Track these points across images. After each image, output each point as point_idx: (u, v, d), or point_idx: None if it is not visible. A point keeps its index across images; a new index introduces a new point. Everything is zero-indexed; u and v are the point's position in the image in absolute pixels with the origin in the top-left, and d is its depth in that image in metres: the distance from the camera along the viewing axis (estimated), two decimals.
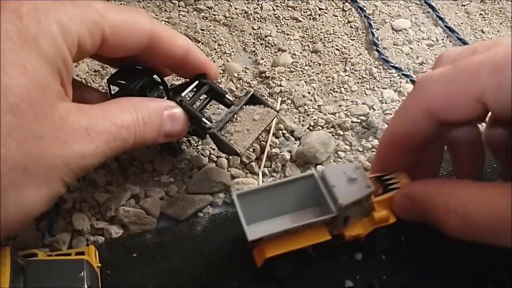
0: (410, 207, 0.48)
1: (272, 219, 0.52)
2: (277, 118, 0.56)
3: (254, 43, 0.75)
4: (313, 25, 0.77)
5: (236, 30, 0.77)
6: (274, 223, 0.51)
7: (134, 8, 0.55)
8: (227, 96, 0.57)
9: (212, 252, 0.54)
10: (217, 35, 0.76)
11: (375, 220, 0.51)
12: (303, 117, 0.65)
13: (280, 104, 0.67)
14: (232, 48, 0.75)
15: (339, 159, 0.61)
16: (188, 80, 0.58)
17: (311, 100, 0.67)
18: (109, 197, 0.58)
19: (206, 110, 0.62)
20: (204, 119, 0.54)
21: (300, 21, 0.78)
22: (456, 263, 0.52)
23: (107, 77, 0.58)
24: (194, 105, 0.55)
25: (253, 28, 0.77)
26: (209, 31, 0.77)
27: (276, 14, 0.78)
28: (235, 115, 0.54)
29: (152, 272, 0.53)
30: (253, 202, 0.50)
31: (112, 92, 0.58)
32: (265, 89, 0.68)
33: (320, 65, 0.72)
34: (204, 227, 0.57)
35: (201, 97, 0.57)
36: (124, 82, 0.55)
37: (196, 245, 0.55)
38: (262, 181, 0.59)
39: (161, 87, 0.57)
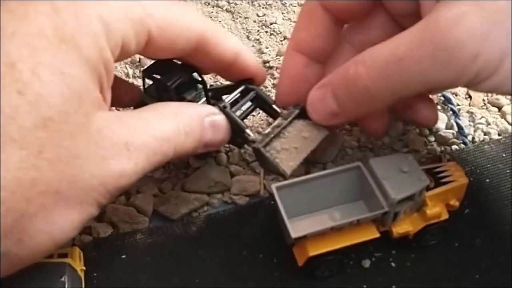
0: (323, 96, 0.44)
1: (313, 214, 0.48)
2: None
3: (258, 30, 0.71)
4: None
5: (240, 16, 0.73)
6: (316, 218, 0.48)
7: (183, 3, 0.50)
8: (274, 106, 0.50)
9: (207, 255, 0.50)
10: (220, 22, 0.72)
11: (427, 217, 0.47)
12: None
13: None
14: (235, 36, 0.70)
15: (347, 156, 0.57)
16: (229, 82, 0.53)
17: None
18: None
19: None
20: (247, 130, 0.48)
21: None
22: (470, 270, 0.48)
23: (143, 68, 0.52)
24: (238, 111, 0.50)
25: (257, 15, 0.72)
26: (211, 17, 0.72)
27: (282, 1, 0.74)
28: (283, 130, 0.46)
29: (143, 275, 0.49)
30: (293, 196, 0.47)
31: (147, 85, 0.52)
32: (269, 80, 0.64)
33: None
34: (199, 227, 0.53)
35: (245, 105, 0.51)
36: (160, 77, 0.49)
37: (191, 246, 0.51)
38: (264, 179, 0.55)
39: (200, 86, 0.51)
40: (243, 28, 0.71)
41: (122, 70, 0.66)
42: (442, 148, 0.57)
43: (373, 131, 0.52)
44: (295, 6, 0.73)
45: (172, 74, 0.49)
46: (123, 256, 0.50)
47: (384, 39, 0.40)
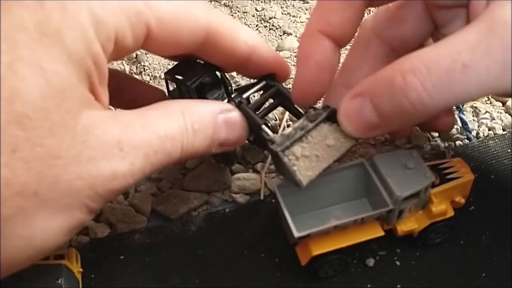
0: (361, 107, 0.39)
1: (316, 212, 0.47)
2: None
3: (257, 25, 0.70)
4: None
5: (238, 11, 0.71)
6: (320, 217, 0.46)
7: None
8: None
9: (208, 255, 0.49)
10: None
11: (433, 214, 0.46)
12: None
13: None
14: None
15: (349, 152, 0.55)
16: (256, 80, 0.49)
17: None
18: None
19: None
20: (265, 127, 0.43)
21: (308, 2, 0.72)
22: (477, 268, 0.47)
23: (166, 71, 0.50)
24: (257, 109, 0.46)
25: (256, 10, 0.71)
26: None
27: None
28: (307, 134, 0.42)
29: (142, 277, 0.48)
30: (295, 194, 0.45)
31: (171, 88, 0.50)
32: None
33: None
34: (199, 226, 0.51)
35: (267, 102, 0.48)
36: (181, 78, 0.47)
37: (191, 246, 0.50)
38: (265, 182, 0.54)
39: (227, 87, 0.49)
40: (241, 23, 0.70)
41: (119, 66, 0.65)
42: (446, 144, 0.56)
43: (398, 136, 0.51)
44: (294, 0, 0.72)
45: (193, 73, 0.47)
46: (121, 257, 0.49)
47: (419, 35, 0.39)
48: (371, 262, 0.48)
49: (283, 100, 0.47)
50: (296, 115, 0.46)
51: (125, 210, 0.51)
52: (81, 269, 0.45)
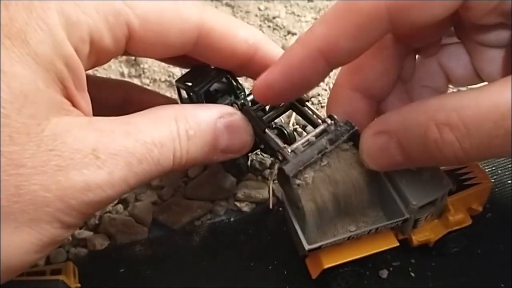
0: (386, 146, 0.36)
1: (327, 221, 0.43)
2: None
3: (260, 25, 0.68)
4: (327, 5, 0.69)
5: (241, 11, 0.69)
6: (331, 226, 0.43)
7: None
8: (308, 104, 0.43)
9: (212, 266, 0.47)
10: None
11: (450, 223, 0.43)
12: (317, 109, 0.57)
13: None
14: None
15: None
16: None
17: (325, 90, 0.59)
18: None
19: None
20: (269, 133, 0.40)
21: (312, 1, 0.69)
22: (494, 278, 0.45)
23: (176, 79, 0.48)
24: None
25: (259, 9, 0.69)
26: None
27: None
28: (323, 159, 0.39)
29: None
30: None
31: (184, 96, 0.48)
32: None
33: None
34: (203, 236, 0.49)
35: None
36: (190, 84, 0.45)
37: (194, 258, 0.48)
38: (273, 189, 0.51)
39: (239, 92, 0.45)
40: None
41: (117, 69, 0.63)
42: None
43: None
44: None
45: (203, 79, 0.44)
46: (122, 270, 0.47)
47: (438, 34, 0.36)
48: (384, 273, 0.45)
49: (293, 104, 0.43)
50: (310, 122, 0.42)
51: (124, 220, 0.49)
52: (79, 284, 0.43)
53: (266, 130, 0.40)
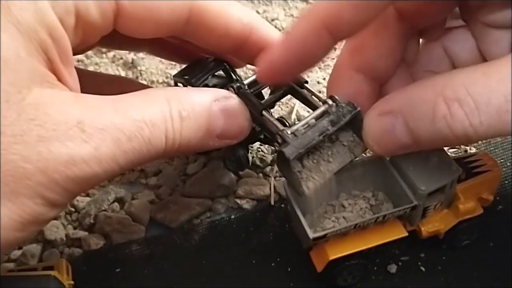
0: (392, 127, 0.34)
1: (332, 211, 0.42)
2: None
3: None
4: None
5: None
6: (336, 216, 0.41)
7: None
8: (307, 86, 0.41)
9: (213, 265, 0.45)
10: None
11: (460, 212, 0.41)
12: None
13: None
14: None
15: None
16: None
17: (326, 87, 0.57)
18: (88, 201, 0.49)
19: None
20: (267, 115, 0.38)
21: (311, 3, 0.69)
22: (508, 272, 0.43)
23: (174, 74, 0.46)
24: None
25: (258, 12, 0.68)
26: None
27: None
28: (324, 143, 0.38)
29: None
30: None
31: None
32: None
33: (335, 50, 0.62)
34: (202, 235, 0.47)
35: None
36: (187, 77, 0.43)
37: (194, 256, 0.46)
38: (274, 185, 0.49)
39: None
40: None
41: (114, 72, 0.62)
42: None
43: None
44: (297, 1, 0.69)
45: (200, 71, 0.43)
46: (117, 270, 0.45)
47: (444, 13, 0.35)
48: (393, 268, 0.43)
49: (292, 87, 0.41)
50: (310, 104, 0.41)
51: (121, 219, 0.47)
52: (72, 282, 0.40)
53: (264, 112, 0.38)
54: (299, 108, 0.55)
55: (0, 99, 0.29)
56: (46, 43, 0.32)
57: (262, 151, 0.51)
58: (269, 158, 0.51)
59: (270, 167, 0.51)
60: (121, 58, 0.63)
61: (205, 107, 0.36)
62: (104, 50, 0.64)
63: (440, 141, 0.34)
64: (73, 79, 0.35)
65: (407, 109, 0.34)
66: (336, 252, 0.39)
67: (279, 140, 0.37)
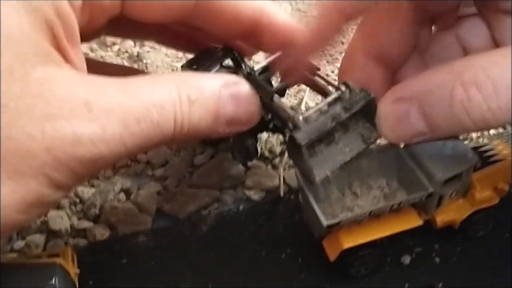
0: (407, 114, 0.34)
1: (344, 198, 0.41)
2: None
3: None
4: None
5: None
6: (349, 204, 0.40)
7: None
8: (319, 73, 0.40)
9: (221, 256, 0.44)
10: None
11: (476, 201, 0.41)
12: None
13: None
14: None
15: None
16: None
17: (335, 80, 0.57)
18: (94, 192, 0.48)
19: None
20: (278, 99, 0.37)
21: None
22: None
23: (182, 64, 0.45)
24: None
25: None
26: None
27: None
28: (336, 130, 0.37)
29: (147, 281, 0.42)
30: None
31: None
32: None
33: (343, 44, 0.62)
34: (210, 226, 0.46)
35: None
36: (195, 67, 0.42)
37: (201, 248, 0.44)
38: (283, 177, 0.48)
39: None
40: None
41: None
42: (479, 134, 0.51)
43: None
44: None
45: (209, 61, 0.42)
46: (123, 261, 0.43)
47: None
48: (407, 259, 0.42)
49: (305, 73, 0.40)
50: (322, 91, 0.40)
51: (127, 209, 0.46)
52: (77, 270, 0.39)
53: (274, 97, 0.37)
54: (308, 100, 0.54)
55: (3, 72, 0.28)
56: (52, 20, 0.31)
57: (271, 142, 0.50)
58: (278, 149, 0.50)
59: (279, 158, 0.50)
60: (126, 52, 0.63)
61: (214, 92, 0.35)
62: (109, 43, 0.63)
63: (457, 128, 0.33)
64: (80, 59, 0.34)
65: (422, 95, 0.33)
66: (350, 241, 0.38)
67: (290, 126, 0.36)
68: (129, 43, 0.64)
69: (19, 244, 0.44)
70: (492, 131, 0.51)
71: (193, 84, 0.35)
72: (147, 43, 0.63)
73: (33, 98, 0.28)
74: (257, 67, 0.40)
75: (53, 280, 0.35)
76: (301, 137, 0.34)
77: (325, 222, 0.37)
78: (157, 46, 0.62)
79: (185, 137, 0.35)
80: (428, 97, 0.33)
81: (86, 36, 0.37)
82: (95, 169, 0.31)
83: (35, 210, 0.30)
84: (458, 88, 0.31)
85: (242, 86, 0.37)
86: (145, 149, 0.35)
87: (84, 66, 0.34)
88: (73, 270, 0.39)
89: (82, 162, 0.29)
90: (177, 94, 0.33)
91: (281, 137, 0.51)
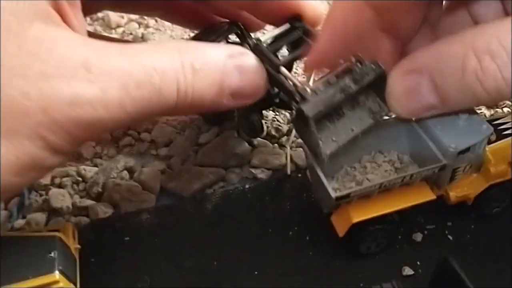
0: (418, 86, 0.32)
1: (353, 171, 0.40)
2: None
3: None
4: None
5: None
6: (359, 178, 0.39)
7: None
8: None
9: (226, 235, 0.42)
10: None
11: (491, 175, 0.39)
12: None
13: None
14: None
15: None
16: None
17: None
18: (96, 171, 0.47)
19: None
20: (285, 71, 0.36)
21: None
22: None
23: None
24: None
25: None
26: None
27: None
28: (345, 103, 0.36)
29: (150, 259, 0.41)
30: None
31: None
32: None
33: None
34: (215, 205, 0.45)
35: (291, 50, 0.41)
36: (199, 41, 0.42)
37: (206, 226, 0.43)
38: (291, 155, 0.47)
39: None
40: None
41: None
42: (492, 112, 0.49)
43: None
44: None
45: (213, 35, 0.41)
46: (126, 239, 0.42)
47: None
48: (418, 237, 0.41)
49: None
50: None
51: (130, 186, 0.45)
52: (78, 246, 0.38)
53: (281, 68, 0.36)
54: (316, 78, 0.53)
55: (3, 29, 0.27)
56: None
57: (277, 120, 0.49)
58: (285, 128, 0.49)
59: (286, 137, 0.49)
60: (131, 33, 0.61)
61: (219, 62, 0.34)
62: (113, 25, 0.62)
63: (469, 100, 0.32)
64: (80, 23, 0.33)
65: (434, 66, 0.32)
66: (360, 215, 0.37)
67: (298, 98, 0.34)
68: (134, 25, 0.63)
69: (19, 222, 0.43)
70: (506, 109, 0.49)
71: (197, 52, 0.33)
72: (151, 24, 0.62)
73: (30, 56, 0.27)
74: (264, 38, 0.39)
75: (53, 253, 0.34)
76: (309, 109, 0.33)
77: (334, 194, 0.35)
78: (161, 27, 0.61)
79: (188, 108, 0.33)
80: (439, 67, 0.32)
81: (91, 8, 0.36)
82: (93, 133, 0.30)
83: (31, 173, 0.29)
84: (470, 57, 0.30)
85: (248, 57, 0.36)
86: (146, 117, 0.34)
87: (84, 31, 0.33)
88: (74, 245, 0.38)
89: (80, 124, 0.29)
90: (180, 61, 0.32)
91: (288, 115, 0.50)
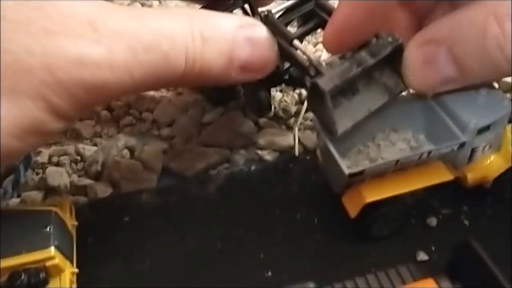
0: (435, 57, 0.31)
1: (366, 151, 0.38)
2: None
3: None
4: None
5: None
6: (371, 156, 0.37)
7: None
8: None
9: (230, 216, 0.41)
10: None
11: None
12: None
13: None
14: None
15: None
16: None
17: None
18: (96, 150, 0.45)
19: None
20: (299, 44, 0.35)
21: None
22: None
23: None
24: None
25: None
26: None
27: None
28: (363, 80, 0.35)
29: (150, 240, 0.39)
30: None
31: None
32: None
33: None
34: (219, 186, 0.43)
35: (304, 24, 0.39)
36: None
37: (210, 207, 0.41)
38: (298, 137, 0.45)
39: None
40: None
41: None
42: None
43: None
44: None
45: (220, 9, 0.39)
46: (126, 219, 0.41)
47: None
48: (433, 221, 0.39)
49: (324, 19, 0.37)
50: None
51: (131, 165, 0.43)
52: (75, 222, 0.36)
53: (295, 41, 0.35)
54: (327, 55, 0.51)
55: None
56: None
57: (285, 101, 0.47)
58: (293, 109, 0.47)
59: (293, 118, 0.47)
60: None
61: (229, 32, 0.33)
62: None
63: (489, 70, 0.30)
64: None
65: (452, 35, 0.31)
66: (373, 194, 0.35)
67: (312, 73, 0.33)
68: (137, 5, 0.61)
69: (14, 201, 0.42)
70: None
71: (207, 21, 0.32)
72: (155, 5, 0.60)
73: (34, 11, 0.26)
74: (275, 10, 0.37)
75: (48, 228, 0.33)
76: (324, 83, 0.32)
77: (346, 170, 0.33)
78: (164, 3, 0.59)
79: (195, 79, 0.32)
80: (458, 36, 0.30)
81: None
82: (97, 98, 0.29)
83: (32, 138, 0.27)
84: (491, 22, 0.29)
85: (259, 29, 0.34)
86: (152, 85, 0.32)
87: None
88: (71, 222, 0.36)
89: (85, 86, 0.27)
90: (190, 28, 0.31)
91: (296, 96, 0.48)
